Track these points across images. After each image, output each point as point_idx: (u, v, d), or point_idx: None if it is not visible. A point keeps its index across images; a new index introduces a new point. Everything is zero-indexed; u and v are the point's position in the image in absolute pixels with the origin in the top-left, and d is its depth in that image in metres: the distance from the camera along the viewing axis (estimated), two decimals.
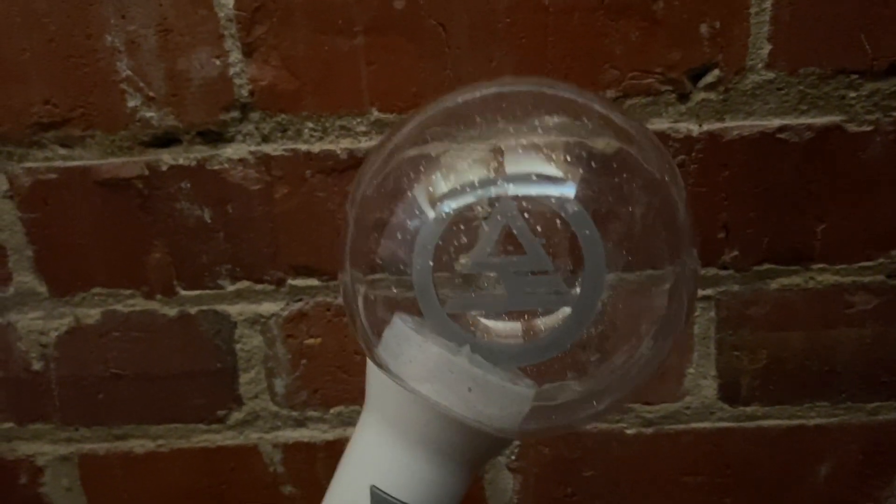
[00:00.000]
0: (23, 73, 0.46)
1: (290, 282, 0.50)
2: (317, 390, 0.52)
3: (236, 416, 0.54)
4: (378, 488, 0.28)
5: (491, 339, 0.28)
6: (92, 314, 0.51)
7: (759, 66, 0.44)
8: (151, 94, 0.46)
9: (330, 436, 0.54)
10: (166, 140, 0.47)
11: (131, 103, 0.46)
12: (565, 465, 0.53)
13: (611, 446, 0.53)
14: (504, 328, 0.28)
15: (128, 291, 0.51)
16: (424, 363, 0.27)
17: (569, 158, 0.27)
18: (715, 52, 0.44)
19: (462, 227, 0.27)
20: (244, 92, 0.46)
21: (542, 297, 0.27)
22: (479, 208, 0.27)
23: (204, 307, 0.51)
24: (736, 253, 0.48)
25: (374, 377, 0.29)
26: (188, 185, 0.48)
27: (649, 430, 0.52)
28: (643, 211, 0.28)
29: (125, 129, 0.47)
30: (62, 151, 0.48)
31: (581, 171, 0.27)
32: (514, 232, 0.26)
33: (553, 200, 0.26)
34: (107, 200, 0.49)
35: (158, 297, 0.51)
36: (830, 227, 0.47)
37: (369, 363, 0.30)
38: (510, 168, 0.27)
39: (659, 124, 0.45)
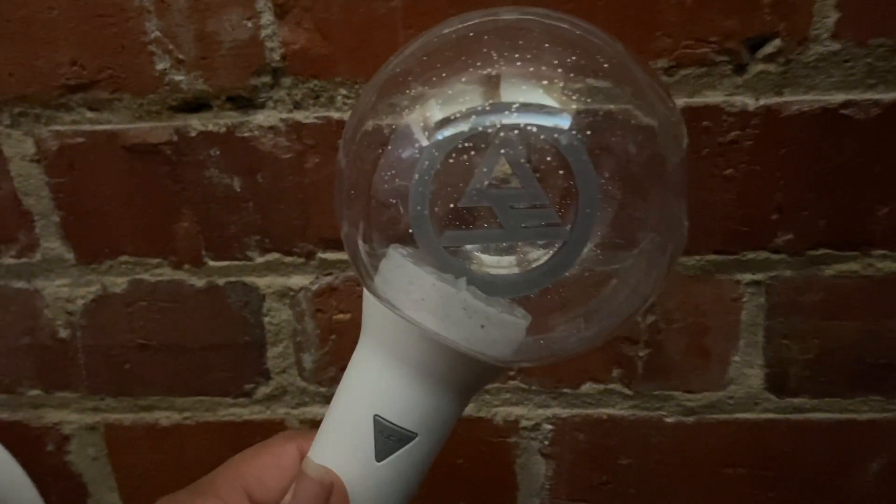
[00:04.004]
0: (50, 33, 0.45)
1: (321, 255, 0.48)
2: (345, 367, 0.51)
3: (263, 390, 0.52)
4: (382, 417, 0.29)
5: (486, 271, 0.28)
6: (119, 283, 0.50)
7: (824, 36, 0.41)
8: (181, 56, 0.44)
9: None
10: (196, 105, 0.46)
11: (160, 66, 0.45)
12: (601, 452, 0.51)
13: (649, 434, 0.51)
14: (498, 261, 0.28)
15: (155, 260, 0.50)
16: (422, 293, 0.27)
17: (566, 93, 0.27)
18: (776, 21, 0.41)
19: (458, 161, 0.26)
20: (276, 56, 0.44)
21: (537, 230, 0.27)
22: (475, 141, 0.26)
23: (232, 279, 0.50)
24: (790, 236, 0.45)
25: (371, 307, 0.29)
26: (217, 152, 0.46)
27: (690, 419, 0.50)
28: (635, 154, 0.28)
29: (154, 92, 0.45)
30: (90, 115, 0.46)
31: (577, 105, 0.26)
32: (511, 164, 0.26)
33: (549, 131, 0.26)
34: (135, 166, 0.47)
35: (186, 267, 0.50)
36: (893, 211, 0.44)
37: (366, 294, 0.30)
38: (507, 98, 0.26)
39: (713, 97, 0.43)
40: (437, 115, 0.27)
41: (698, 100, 0.43)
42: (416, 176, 0.26)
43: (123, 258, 0.50)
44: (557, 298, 0.28)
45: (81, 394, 0.54)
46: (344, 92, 0.44)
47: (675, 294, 0.47)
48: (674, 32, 0.42)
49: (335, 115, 0.45)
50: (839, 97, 0.42)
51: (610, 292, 0.29)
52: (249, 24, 0.43)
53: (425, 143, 0.26)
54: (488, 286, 0.27)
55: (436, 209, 0.27)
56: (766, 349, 0.48)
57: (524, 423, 0.51)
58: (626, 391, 0.50)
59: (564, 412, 0.51)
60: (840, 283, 0.46)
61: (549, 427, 0.51)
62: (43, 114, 0.47)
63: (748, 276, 0.46)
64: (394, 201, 0.27)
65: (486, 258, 0.29)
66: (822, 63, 0.42)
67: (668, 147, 0.28)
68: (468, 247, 0.28)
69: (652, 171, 0.28)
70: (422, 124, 0.27)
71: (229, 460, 0.33)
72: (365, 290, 0.30)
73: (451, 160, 0.26)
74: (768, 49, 0.42)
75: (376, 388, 0.29)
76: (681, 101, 0.43)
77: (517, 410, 0.51)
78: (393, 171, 0.27)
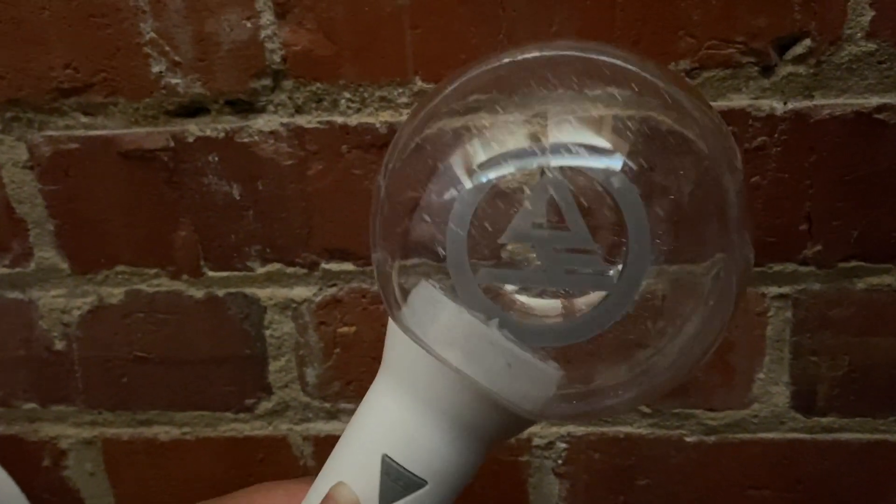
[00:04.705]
0: (42, 35, 0.43)
1: (324, 265, 0.46)
2: (350, 381, 0.49)
3: (265, 405, 0.50)
4: (390, 458, 0.26)
5: (520, 317, 0.27)
6: (115, 293, 0.49)
7: (859, 35, 0.39)
8: (177, 58, 0.42)
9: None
10: (193, 109, 0.44)
11: (156, 68, 0.43)
12: (618, 472, 0.49)
13: (668, 454, 0.48)
14: (535, 306, 0.27)
15: (153, 270, 0.48)
16: (455, 330, 0.26)
17: (617, 131, 0.25)
18: (807, 20, 0.39)
19: (501, 199, 0.25)
20: (276, 58, 0.42)
21: (580, 277, 0.25)
22: (520, 180, 0.25)
23: (232, 290, 0.48)
24: (819, 247, 0.43)
25: (396, 341, 0.28)
26: (216, 158, 0.44)
27: (712, 439, 0.48)
28: (691, 192, 0.26)
29: (150, 96, 0.43)
30: (84, 119, 0.45)
31: (629, 144, 0.25)
32: (560, 205, 0.25)
33: (599, 174, 0.25)
34: (131, 173, 0.45)
35: (185, 277, 0.48)
36: None
37: (391, 327, 0.28)
38: (554, 138, 0.26)
39: (738, 101, 0.40)
40: (481, 155, 0.26)
41: (723, 103, 0.40)
42: (456, 215, 0.25)
43: (120, 268, 0.48)
44: (596, 353, 0.26)
45: (78, 407, 0.52)
46: (348, 95, 0.42)
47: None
48: (697, 32, 0.39)
49: (339, 119, 0.43)
50: (874, 101, 0.40)
51: (659, 347, 0.26)
52: (249, 25, 0.41)
53: (468, 184, 0.25)
54: (520, 332, 0.26)
55: (475, 247, 0.26)
56: (792, 366, 0.46)
57: (537, 441, 0.49)
58: (645, 409, 0.47)
59: (579, 430, 0.49)
60: (872, 298, 0.44)
61: (563, 445, 0.49)
62: (36, 118, 0.45)
63: (775, 290, 0.44)
64: (433, 237, 0.26)
65: (529, 301, 0.27)
66: (856, 64, 0.39)
67: (726, 180, 0.26)
68: (509, 288, 0.27)
69: (709, 210, 0.26)
70: (464, 163, 0.26)
71: (241, 490, 0.32)
72: (390, 322, 0.28)
73: (494, 199, 0.25)
74: (798, 50, 0.39)
75: (389, 426, 0.27)
76: None
77: (530, 428, 0.49)
78: (433, 208, 0.26)
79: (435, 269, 0.26)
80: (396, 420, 0.27)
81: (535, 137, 0.26)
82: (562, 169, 0.25)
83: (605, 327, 0.25)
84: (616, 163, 0.25)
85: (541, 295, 0.27)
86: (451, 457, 0.27)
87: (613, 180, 0.24)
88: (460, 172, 0.26)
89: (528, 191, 0.25)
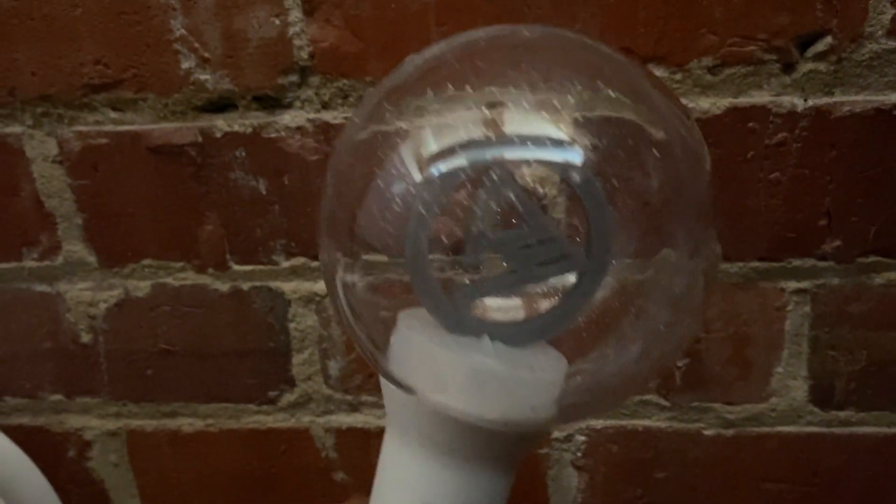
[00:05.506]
0: (73, 31, 0.44)
1: None
2: (372, 374, 0.50)
3: (288, 397, 0.51)
4: None
5: (507, 322, 0.25)
6: (142, 287, 0.49)
7: (879, 33, 0.39)
8: (206, 55, 0.43)
9: (385, 422, 0.51)
10: (221, 105, 0.44)
11: (185, 65, 0.43)
12: (636, 465, 0.50)
13: (686, 448, 0.49)
14: (503, 304, 0.26)
15: (179, 264, 0.48)
16: (450, 377, 0.24)
17: (578, 121, 0.24)
18: (828, 17, 0.39)
19: (454, 215, 0.24)
20: (304, 54, 0.43)
21: (551, 266, 0.24)
22: (474, 182, 0.23)
23: (257, 283, 0.48)
24: (838, 243, 0.43)
25: (393, 395, 0.26)
26: (243, 153, 0.45)
27: (730, 432, 0.48)
28: (654, 181, 0.25)
29: (178, 92, 0.44)
30: (113, 115, 0.45)
31: (590, 135, 0.24)
32: (513, 203, 0.23)
33: (559, 167, 0.23)
34: (159, 168, 0.46)
35: (210, 270, 0.48)
36: None
37: (383, 379, 0.27)
38: (510, 129, 0.24)
39: (759, 97, 0.41)
40: (433, 147, 0.24)
41: (744, 100, 0.41)
42: (412, 229, 0.23)
43: (146, 262, 0.49)
44: (589, 331, 0.25)
45: (103, 399, 0.53)
46: None
47: (716, 302, 0.45)
48: (719, 30, 0.40)
49: None
50: (894, 97, 0.40)
51: (639, 320, 0.26)
52: (277, 22, 0.42)
53: (419, 178, 0.24)
54: (514, 337, 0.24)
55: (443, 271, 0.24)
56: (810, 360, 0.46)
57: (556, 433, 0.50)
58: (663, 402, 0.48)
59: (598, 423, 0.49)
60: (890, 293, 0.44)
61: (582, 438, 0.50)
62: (66, 114, 0.46)
63: (793, 284, 0.45)
64: (387, 249, 0.25)
65: (489, 303, 0.25)
66: (877, 62, 0.40)
67: (689, 172, 0.26)
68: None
69: (672, 199, 0.25)
70: (417, 161, 0.24)
71: None
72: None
73: (449, 214, 0.24)
74: (819, 47, 0.40)
75: (420, 484, 0.26)
76: (725, 102, 0.41)
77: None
78: (383, 217, 0.24)
79: (402, 298, 0.25)
80: (426, 476, 0.26)
81: (488, 130, 0.24)
82: (515, 162, 0.23)
83: (590, 305, 0.24)
84: (576, 156, 0.23)
85: (503, 295, 0.25)
86: (487, 486, 0.26)
87: (574, 174, 0.23)
88: (412, 171, 0.24)
89: (476, 203, 0.23)
